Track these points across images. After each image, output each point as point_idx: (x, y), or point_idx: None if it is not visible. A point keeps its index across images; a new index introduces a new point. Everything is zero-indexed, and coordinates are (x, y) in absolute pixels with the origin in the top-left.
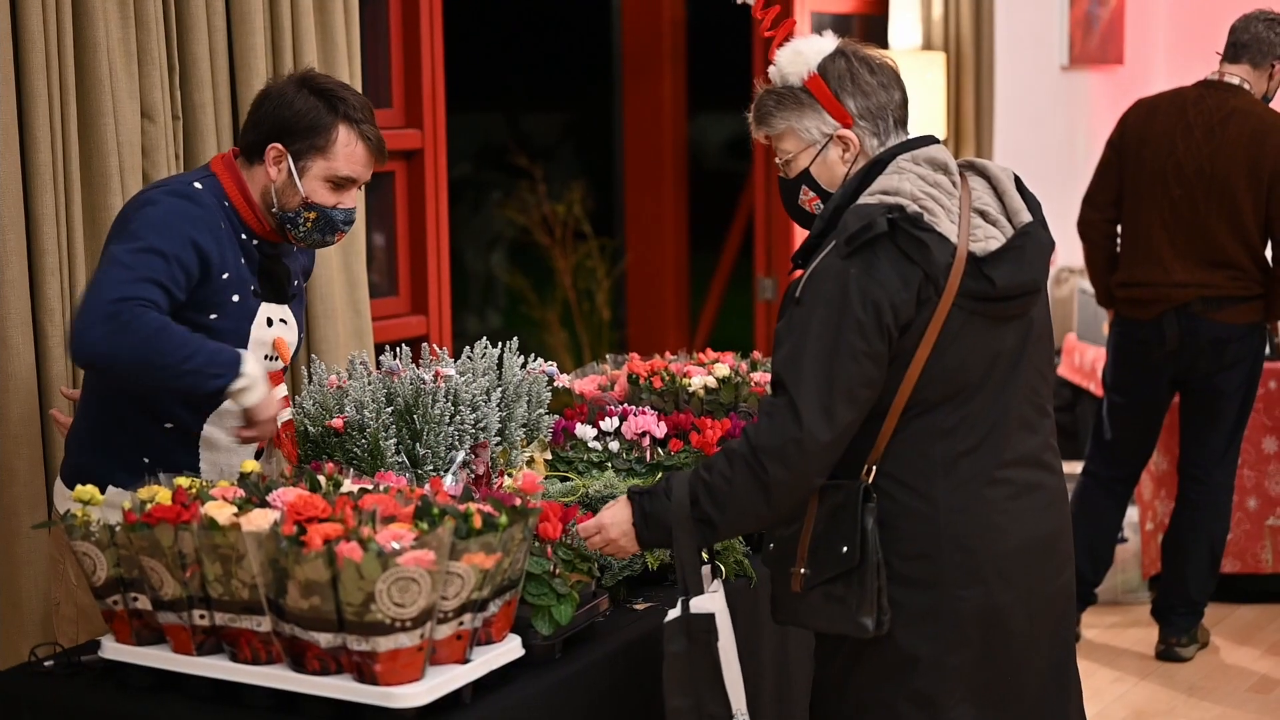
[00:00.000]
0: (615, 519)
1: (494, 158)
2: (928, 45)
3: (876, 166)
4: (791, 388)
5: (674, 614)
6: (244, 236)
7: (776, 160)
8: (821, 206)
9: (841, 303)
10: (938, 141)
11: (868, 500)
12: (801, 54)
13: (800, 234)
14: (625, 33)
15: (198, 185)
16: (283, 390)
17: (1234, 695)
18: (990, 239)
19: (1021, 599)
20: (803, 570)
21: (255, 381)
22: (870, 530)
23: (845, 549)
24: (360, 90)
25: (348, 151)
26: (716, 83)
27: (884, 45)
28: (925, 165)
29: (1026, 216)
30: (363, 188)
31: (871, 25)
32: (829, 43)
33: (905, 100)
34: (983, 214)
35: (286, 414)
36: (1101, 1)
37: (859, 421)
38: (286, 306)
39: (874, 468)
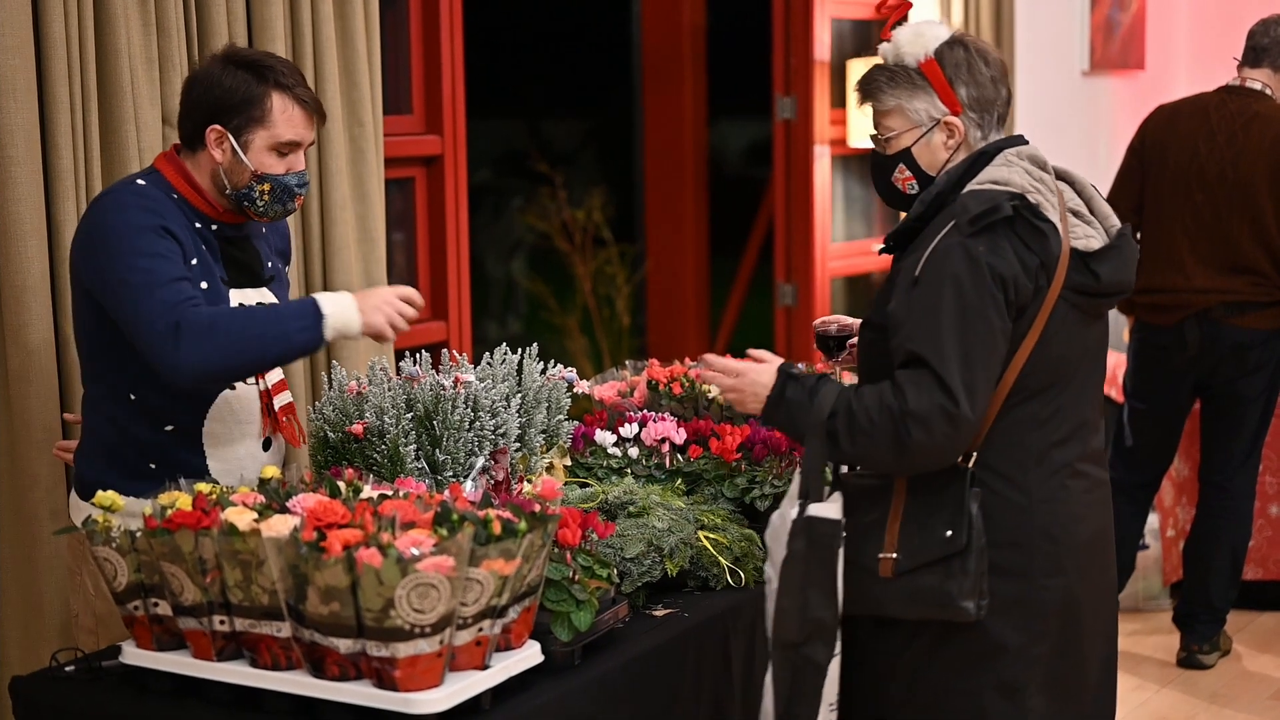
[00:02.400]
0: (758, 379)
1: (514, 164)
2: None
3: (982, 158)
4: (935, 364)
5: (792, 514)
6: (199, 225)
7: (873, 134)
8: (915, 187)
9: (973, 279)
10: (1029, 143)
11: (973, 485)
12: (922, 36)
13: (823, 235)
14: (645, 39)
15: (141, 182)
16: (279, 373)
17: (1257, 703)
18: (1089, 238)
19: (1090, 591)
20: (894, 555)
21: (342, 311)
22: (975, 515)
23: (949, 533)
24: (381, 97)
25: (285, 117)
26: (737, 89)
27: None
28: (1028, 162)
29: (1117, 221)
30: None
31: None
32: (946, 30)
33: (1010, 98)
34: (1076, 214)
35: (285, 397)
36: (1122, 6)
37: (990, 403)
38: (265, 289)
39: (973, 454)
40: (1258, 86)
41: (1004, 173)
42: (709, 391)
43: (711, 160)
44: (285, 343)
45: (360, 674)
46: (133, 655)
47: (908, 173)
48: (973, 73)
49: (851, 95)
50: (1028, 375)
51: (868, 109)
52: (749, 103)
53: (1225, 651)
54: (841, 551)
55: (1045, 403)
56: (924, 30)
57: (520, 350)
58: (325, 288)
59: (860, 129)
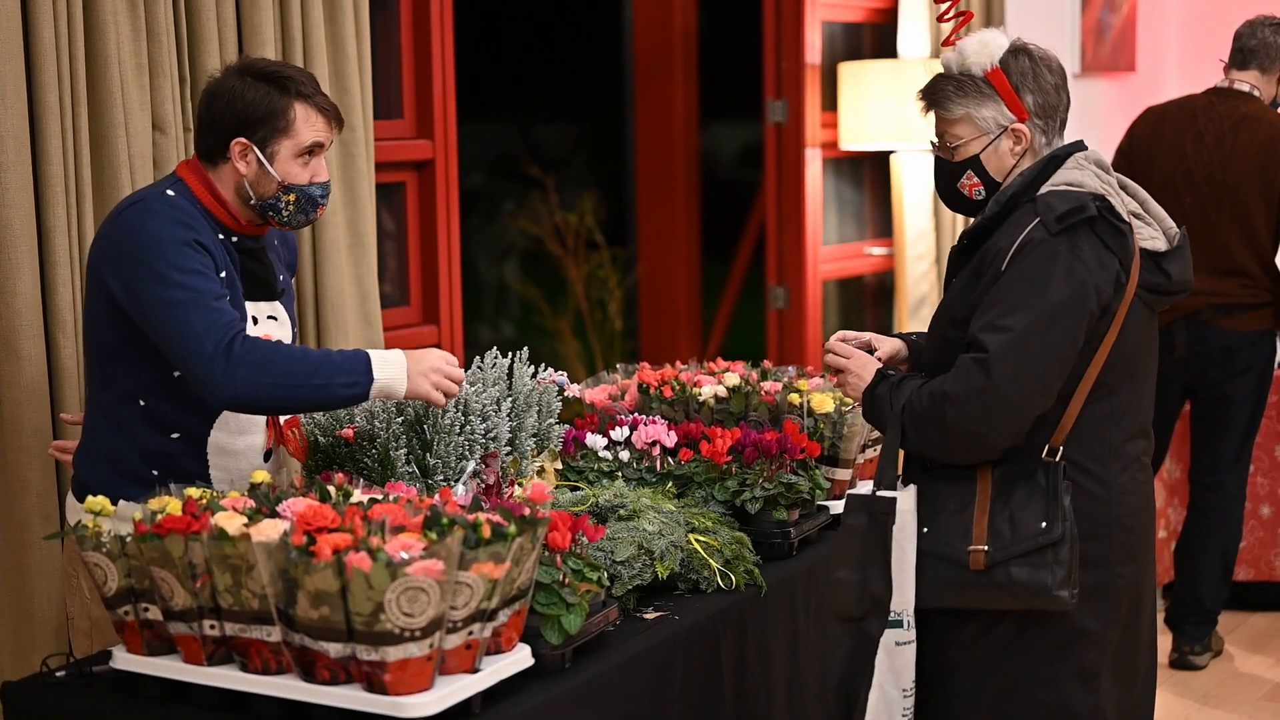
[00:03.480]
0: (864, 372)
1: (506, 168)
2: (937, 55)
3: (1054, 162)
4: (989, 345)
5: (862, 491)
6: (221, 237)
7: (937, 142)
8: (982, 193)
9: (1051, 276)
10: (1089, 148)
11: (1065, 477)
12: (988, 46)
13: (814, 238)
14: (637, 43)
15: (170, 193)
16: None
17: (1248, 703)
18: (1153, 239)
19: (1148, 577)
20: (984, 548)
21: (392, 377)
22: (1068, 507)
23: (1044, 524)
24: (372, 102)
25: (309, 125)
26: (728, 93)
27: (893, 55)
28: (1096, 166)
29: (1172, 223)
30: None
31: (881, 34)
32: (1007, 38)
33: (1069, 104)
34: (1136, 216)
35: None
36: (1113, 9)
37: (1043, 397)
38: (277, 303)
39: (1058, 450)
40: (1245, 88)
41: (1077, 175)
42: (699, 394)
43: (703, 164)
44: (328, 394)
45: (350, 678)
46: (123, 660)
47: (975, 179)
48: (1038, 80)
49: (845, 98)
50: (1106, 372)
51: (930, 114)
52: (740, 106)
53: (1217, 652)
54: (895, 531)
55: (1120, 399)
56: (989, 40)
57: (511, 354)
58: (316, 293)
59: (850, 132)
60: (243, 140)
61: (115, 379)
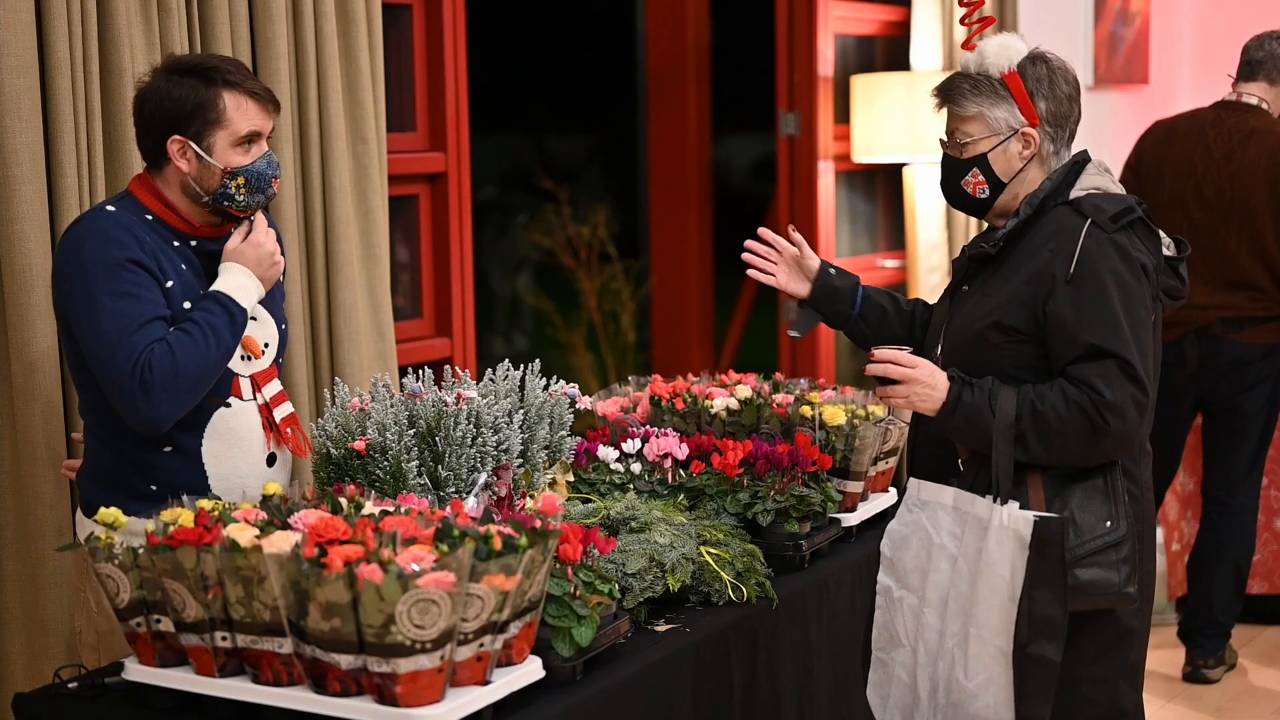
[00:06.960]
0: (935, 381)
1: (519, 180)
2: (950, 67)
3: (1077, 167)
4: (1123, 353)
5: (1003, 518)
6: (177, 244)
7: (948, 139)
8: (986, 191)
9: (1130, 270)
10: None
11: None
12: (1007, 49)
13: (826, 251)
14: (650, 55)
15: (111, 208)
16: (277, 386)
17: (1262, 717)
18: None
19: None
20: None
21: (251, 295)
22: (1128, 503)
23: (1109, 523)
24: (385, 114)
25: (241, 113)
26: (741, 105)
27: (906, 67)
28: (1110, 174)
29: (1163, 233)
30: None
31: (894, 47)
32: (1027, 45)
33: (1079, 118)
34: None
35: (286, 408)
36: (1126, 21)
37: None
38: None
39: None
40: (1254, 101)
41: (1100, 180)
42: (711, 407)
43: (716, 176)
44: (227, 355)
45: (361, 690)
46: (135, 672)
47: (980, 177)
48: (1053, 88)
49: (858, 111)
50: None
51: (942, 112)
52: (753, 119)
53: (1230, 666)
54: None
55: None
56: (1009, 43)
57: (523, 366)
58: (329, 305)
59: (863, 145)
60: (178, 138)
61: (97, 400)
